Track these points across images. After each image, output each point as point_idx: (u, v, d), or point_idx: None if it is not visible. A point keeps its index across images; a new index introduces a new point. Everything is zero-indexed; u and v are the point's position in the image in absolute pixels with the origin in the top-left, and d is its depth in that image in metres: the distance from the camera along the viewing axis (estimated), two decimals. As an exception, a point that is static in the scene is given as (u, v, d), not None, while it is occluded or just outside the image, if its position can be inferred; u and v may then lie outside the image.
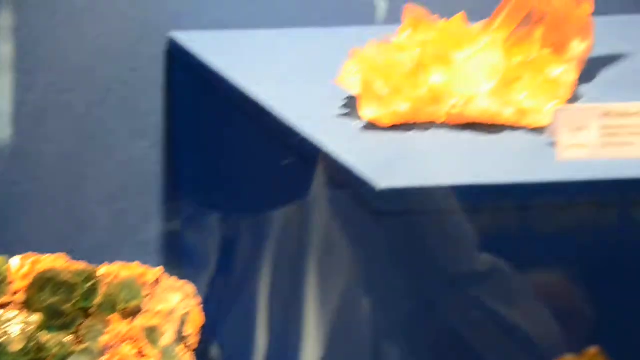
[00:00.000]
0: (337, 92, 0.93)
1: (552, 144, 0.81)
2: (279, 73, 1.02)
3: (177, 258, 1.16)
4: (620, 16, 1.15)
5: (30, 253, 0.84)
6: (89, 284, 0.82)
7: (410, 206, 0.77)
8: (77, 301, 0.81)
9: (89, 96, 1.16)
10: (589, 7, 0.95)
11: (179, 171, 1.18)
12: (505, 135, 0.85)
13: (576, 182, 0.77)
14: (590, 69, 0.98)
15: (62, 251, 0.84)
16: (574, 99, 0.92)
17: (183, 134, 1.17)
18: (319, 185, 0.84)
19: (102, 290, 0.82)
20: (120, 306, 0.82)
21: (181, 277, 0.87)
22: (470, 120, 0.87)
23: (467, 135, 0.86)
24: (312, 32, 1.13)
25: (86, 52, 1.15)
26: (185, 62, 1.13)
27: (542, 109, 0.85)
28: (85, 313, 0.82)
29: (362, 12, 1.17)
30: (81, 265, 0.82)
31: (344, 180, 0.80)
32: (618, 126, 0.81)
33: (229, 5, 1.18)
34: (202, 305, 0.87)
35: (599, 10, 1.05)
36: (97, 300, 0.82)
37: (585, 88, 0.94)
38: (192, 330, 0.85)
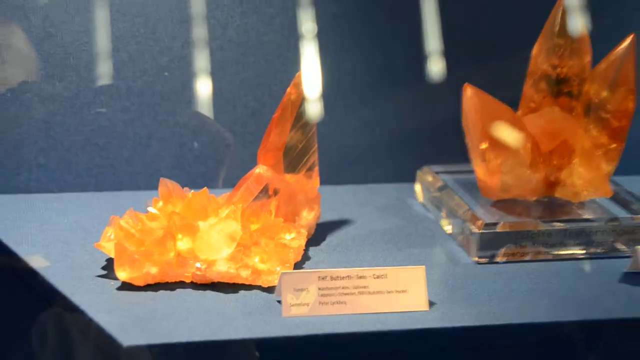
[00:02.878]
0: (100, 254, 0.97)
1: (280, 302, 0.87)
2: (50, 236, 1.04)
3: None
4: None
5: None
6: None
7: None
8: None
9: None
10: (317, 182, 1.04)
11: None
12: (242, 294, 0.91)
13: (294, 337, 0.83)
14: (318, 235, 1.06)
15: None
16: (302, 261, 0.99)
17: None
18: (75, 341, 0.86)
19: None
20: None
21: None
22: (213, 281, 0.92)
23: (210, 295, 0.91)
24: (84, 195, 1.16)
25: None
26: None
27: (274, 270, 0.92)
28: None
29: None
30: None
31: (95, 337, 0.83)
32: (332, 288, 0.89)
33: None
34: None
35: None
36: None
37: (313, 251, 1.02)
38: None
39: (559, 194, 1.07)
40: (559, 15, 1.04)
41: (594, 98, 1.05)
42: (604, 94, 1.05)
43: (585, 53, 1.05)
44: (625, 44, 1.04)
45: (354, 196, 1.19)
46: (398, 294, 0.89)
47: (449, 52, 1.19)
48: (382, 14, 1.21)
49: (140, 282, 0.90)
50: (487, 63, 1.22)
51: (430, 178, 1.16)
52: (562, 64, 1.05)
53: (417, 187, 1.18)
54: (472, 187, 1.11)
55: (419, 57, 1.20)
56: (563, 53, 1.04)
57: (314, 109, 1.09)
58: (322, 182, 1.18)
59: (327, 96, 1.20)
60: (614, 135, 1.06)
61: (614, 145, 1.06)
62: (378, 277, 0.89)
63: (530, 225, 1.02)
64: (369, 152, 1.24)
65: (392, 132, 1.24)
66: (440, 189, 1.12)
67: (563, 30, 1.04)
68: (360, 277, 0.89)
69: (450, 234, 1.07)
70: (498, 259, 1.01)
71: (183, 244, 0.92)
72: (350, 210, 1.14)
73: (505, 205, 1.08)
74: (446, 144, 1.19)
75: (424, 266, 0.90)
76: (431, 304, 0.90)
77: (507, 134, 1.03)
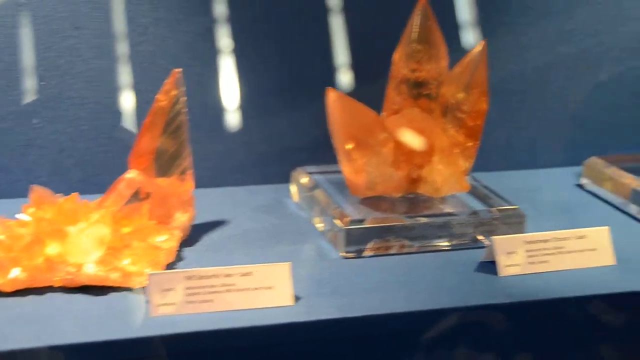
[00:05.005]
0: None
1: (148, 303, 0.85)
2: None
3: None
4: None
5: None
6: None
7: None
8: None
9: None
10: (190, 185, 1.02)
11: None
12: (112, 296, 0.88)
13: (160, 336, 0.81)
14: (194, 236, 1.04)
15: None
16: (176, 262, 0.97)
17: None
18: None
19: None
20: None
21: None
22: (83, 284, 0.89)
23: (79, 298, 0.87)
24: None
25: None
26: None
27: (144, 272, 0.89)
28: None
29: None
30: None
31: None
32: (199, 287, 0.86)
33: None
34: None
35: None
36: None
37: (188, 252, 1.00)
38: None
39: (421, 190, 1.07)
40: (417, 22, 1.04)
41: (450, 99, 1.06)
42: (460, 95, 1.06)
43: (442, 57, 1.06)
44: (478, 49, 1.04)
45: (232, 198, 1.17)
46: (264, 291, 0.87)
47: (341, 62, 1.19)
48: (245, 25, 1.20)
49: (8, 288, 0.86)
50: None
51: (304, 178, 1.14)
52: (420, 68, 1.05)
53: (293, 188, 1.17)
54: (343, 186, 1.10)
55: (297, 67, 1.20)
56: (421, 58, 1.05)
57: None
58: (202, 185, 1.16)
59: (209, 103, 1.20)
60: (470, 134, 1.06)
61: (470, 144, 1.06)
62: (245, 274, 0.87)
63: (394, 220, 1.01)
64: (248, 155, 1.22)
65: (273, 136, 1.23)
66: (313, 188, 1.11)
67: (420, 36, 1.04)
68: (227, 276, 0.87)
69: (322, 232, 1.07)
70: (365, 254, 1.01)
71: (52, 248, 0.88)
72: (227, 212, 1.12)
73: (372, 202, 1.08)
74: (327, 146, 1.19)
75: (289, 262, 0.89)
76: (297, 298, 0.89)
77: (370, 134, 1.03)
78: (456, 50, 1.09)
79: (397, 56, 1.06)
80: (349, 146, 1.02)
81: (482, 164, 1.27)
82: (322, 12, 1.18)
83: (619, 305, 0.93)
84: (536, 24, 1.25)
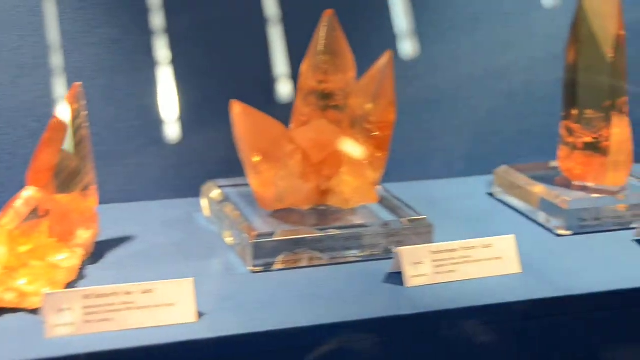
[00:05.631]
0: None
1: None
2: None
3: None
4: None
5: None
6: None
7: None
8: None
9: None
10: (94, 201, 0.99)
11: None
12: (6, 318, 0.84)
13: (55, 358, 0.78)
14: (99, 253, 1.01)
15: None
16: (77, 280, 0.93)
17: None
18: None
19: None
20: None
21: None
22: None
23: (-27, 320, 0.84)
24: None
25: None
26: None
27: (41, 292, 0.86)
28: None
29: None
30: None
31: None
32: (98, 305, 0.83)
33: None
34: None
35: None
36: None
37: (91, 270, 0.96)
38: None
39: (331, 201, 1.06)
40: (323, 33, 1.03)
41: (358, 111, 1.05)
42: (367, 106, 1.05)
43: (349, 69, 1.05)
44: (384, 60, 1.04)
45: (142, 213, 1.14)
46: (166, 308, 0.85)
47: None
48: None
49: None
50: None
51: (214, 192, 1.12)
52: (327, 80, 1.04)
53: (203, 202, 1.15)
54: (253, 200, 1.08)
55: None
56: (328, 69, 1.04)
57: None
58: (111, 200, 1.13)
59: (117, 116, 1.16)
60: (378, 145, 1.06)
61: (379, 154, 1.06)
62: (146, 292, 0.85)
63: (304, 233, 1.00)
64: (159, 169, 1.19)
65: (187, 149, 1.20)
66: (223, 202, 1.09)
67: (327, 47, 1.03)
68: (127, 293, 0.84)
69: (231, 246, 1.04)
70: (275, 267, 0.99)
71: (-57, 270, 0.84)
72: (136, 227, 1.09)
73: (282, 214, 1.06)
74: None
75: (192, 278, 0.87)
76: (201, 315, 0.86)
77: (277, 146, 1.01)
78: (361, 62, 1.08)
79: (304, 67, 1.04)
80: (256, 159, 1.00)
81: (397, 174, 1.27)
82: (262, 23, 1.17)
83: (525, 312, 0.93)
84: (447, 37, 1.26)
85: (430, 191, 1.24)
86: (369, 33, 1.21)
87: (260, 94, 1.18)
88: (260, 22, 1.17)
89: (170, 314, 0.84)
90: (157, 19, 1.15)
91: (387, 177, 1.22)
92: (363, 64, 1.07)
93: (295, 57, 1.16)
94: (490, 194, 1.23)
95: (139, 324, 0.83)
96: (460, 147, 1.30)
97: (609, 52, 1.10)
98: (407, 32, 1.23)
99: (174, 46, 1.15)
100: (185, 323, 0.84)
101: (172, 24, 1.15)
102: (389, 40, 1.22)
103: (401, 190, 1.19)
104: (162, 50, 1.15)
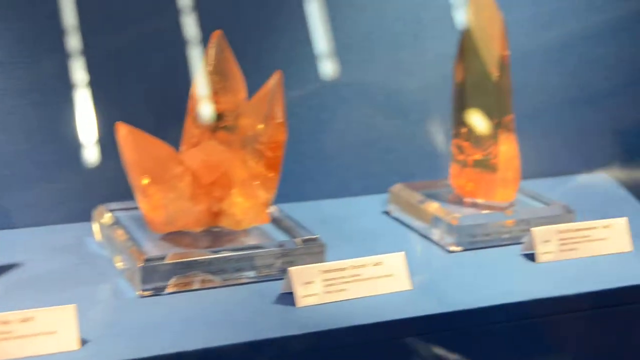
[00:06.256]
0: None
1: None
2: None
3: None
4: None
5: None
6: None
7: None
8: None
9: None
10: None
11: None
12: None
13: None
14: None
15: None
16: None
17: None
18: None
19: None
20: None
21: None
22: None
23: None
24: None
25: None
26: None
27: None
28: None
29: None
30: None
31: None
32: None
33: None
34: None
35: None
36: None
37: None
38: None
39: (223, 223, 1.04)
40: (212, 54, 1.02)
41: (249, 131, 1.04)
42: (258, 127, 1.04)
43: (239, 89, 1.04)
44: (273, 81, 1.04)
45: (30, 239, 1.10)
46: (47, 336, 0.82)
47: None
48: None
49: None
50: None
51: (105, 216, 1.09)
52: (217, 101, 1.03)
53: (95, 226, 1.12)
54: (145, 223, 1.06)
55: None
56: (218, 90, 1.03)
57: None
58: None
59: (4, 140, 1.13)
60: (270, 165, 1.05)
61: (271, 175, 1.05)
62: (25, 320, 0.81)
63: (195, 255, 0.98)
64: (49, 193, 1.16)
65: (80, 173, 1.17)
66: (113, 226, 1.06)
67: (216, 68, 1.02)
68: (5, 323, 0.81)
69: (121, 270, 1.02)
70: (166, 291, 0.97)
71: None
72: (22, 254, 1.05)
73: (174, 237, 1.04)
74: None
75: (74, 305, 0.84)
76: (84, 342, 0.84)
77: (166, 169, 0.99)
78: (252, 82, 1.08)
79: (194, 89, 1.03)
80: (145, 182, 0.98)
81: (294, 194, 1.27)
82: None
83: (414, 329, 0.94)
84: (341, 57, 1.26)
85: (326, 211, 1.24)
86: (260, 54, 1.21)
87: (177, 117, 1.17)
88: (178, 42, 1.16)
89: (51, 342, 0.81)
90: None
91: (284, 198, 1.22)
92: (255, 85, 1.07)
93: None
94: (386, 213, 1.24)
95: (18, 354, 0.80)
96: (356, 167, 1.30)
97: (494, 72, 1.13)
98: (302, 52, 1.23)
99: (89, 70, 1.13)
100: (67, 351, 0.82)
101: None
102: (281, 60, 1.22)
103: (297, 210, 1.19)
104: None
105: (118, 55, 1.14)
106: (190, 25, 1.11)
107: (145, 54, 1.16)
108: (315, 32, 1.24)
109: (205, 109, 1.03)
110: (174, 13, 1.13)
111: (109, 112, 1.12)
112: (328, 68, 1.25)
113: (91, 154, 1.15)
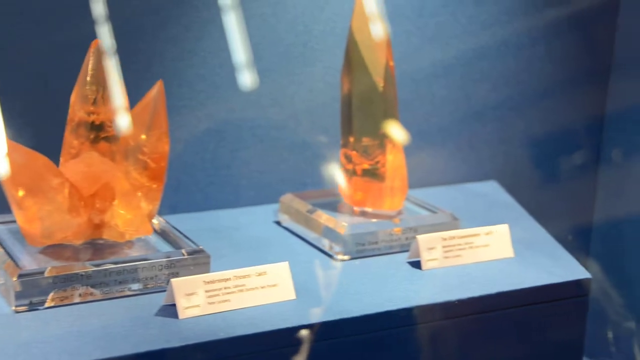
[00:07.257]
0: None
1: None
2: None
3: None
4: None
5: None
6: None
7: None
8: None
9: None
10: None
11: None
12: None
13: None
14: None
15: None
16: None
17: None
18: None
19: None
20: None
21: None
22: None
23: None
24: None
25: None
26: None
27: None
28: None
29: None
30: None
31: None
32: None
33: None
34: None
35: None
36: None
37: None
38: None
39: (106, 235, 1.01)
40: (91, 63, 0.99)
41: (131, 142, 1.02)
42: (141, 137, 1.02)
43: (119, 100, 1.02)
44: (155, 90, 1.02)
45: None
46: None
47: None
48: None
49: None
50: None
51: (-16, 230, 1.05)
52: (97, 111, 1.00)
53: (-27, 241, 1.07)
54: (22, 236, 1.02)
55: None
56: (97, 100, 1.00)
57: None
58: None
59: None
60: (154, 176, 1.03)
61: (154, 186, 1.03)
62: None
63: (74, 268, 0.95)
64: None
65: None
66: (-9, 240, 1.02)
67: (95, 78, 0.99)
68: None
69: (-2, 286, 0.98)
70: (45, 305, 0.93)
71: None
72: None
73: (54, 251, 1.00)
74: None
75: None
76: (-50, 361, 0.81)
77: (42, 180, 0.96)
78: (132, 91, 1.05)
79: (73, 99, 1.00)
80: (20, 194, 0.95)
81: (184, 205, 1.25)
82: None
83: (297, 339, 0.93)
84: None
85: (216, 221, 1.22)
86: (148, 61, 1.19)
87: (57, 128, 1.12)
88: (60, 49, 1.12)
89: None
90: None
91: (173, 209, 1.20)
92: (139, 94, 1.05)
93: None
94: (277, 222, 1.23)
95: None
96: (248, 177, 1.29)
97: (379, 82, 1.14)
98: (190, 63, 1.21)
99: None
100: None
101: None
102: (167, 69, 1.20)
103: (187, 221, 1.17)
104: None
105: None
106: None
107: (23, 63, 1.12)
108: (209, 42, 1.22)
109: (84, 119, 1.00)
110: (53, 18, 1.11)
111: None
112: (219, 77, 1.24)
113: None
